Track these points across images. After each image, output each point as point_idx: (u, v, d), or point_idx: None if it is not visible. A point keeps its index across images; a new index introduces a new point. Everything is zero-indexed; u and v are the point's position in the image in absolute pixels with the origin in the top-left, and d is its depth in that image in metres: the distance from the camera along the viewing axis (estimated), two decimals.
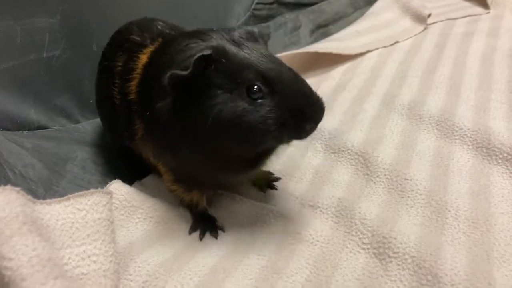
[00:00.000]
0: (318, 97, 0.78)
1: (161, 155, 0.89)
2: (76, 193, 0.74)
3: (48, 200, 0.73)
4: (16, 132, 1.11)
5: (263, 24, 1.87)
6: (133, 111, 0.88)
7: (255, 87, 0.73)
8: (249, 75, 0.74)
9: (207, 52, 0.72)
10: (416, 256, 0.79)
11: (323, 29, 1.97)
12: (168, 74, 0.71)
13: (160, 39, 0.91)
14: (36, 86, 1.16)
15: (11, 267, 0.58)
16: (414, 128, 1.19)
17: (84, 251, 0.70)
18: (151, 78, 0.83)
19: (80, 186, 1.03)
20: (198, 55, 0.71)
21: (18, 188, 0.67)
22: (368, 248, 0.84)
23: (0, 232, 0.60)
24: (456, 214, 0.89)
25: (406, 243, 0.82)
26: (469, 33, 1.76)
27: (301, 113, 0.75)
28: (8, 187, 0.66)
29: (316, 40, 1.86)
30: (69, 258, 0.68)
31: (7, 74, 1.10)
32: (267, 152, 0.85)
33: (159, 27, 0.98)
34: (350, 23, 2.00)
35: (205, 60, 0.72)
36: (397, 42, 1.75)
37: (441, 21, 1.94)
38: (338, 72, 1.57)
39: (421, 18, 1.88)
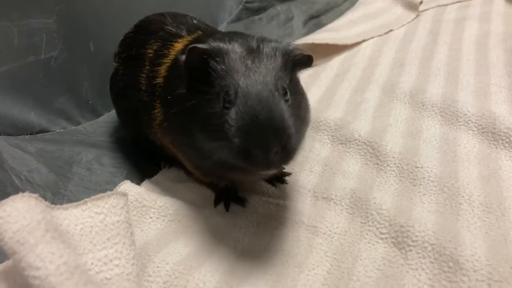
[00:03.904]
0: (274, 121, 0.69)
1: (178, 142, 0.89)
2: (93, 197, 0.73)
3: (65, 205, 0.71)
4: (18, 137, 1.09)
5: (256, 17, 1.86)
6: (155, 96, 0.90)
7: (228, 95, 0.72)
8: (229, 82, 0.73)
9: (201, 46, 0.75)
10: (435, 244, 0.79)
11: (315, 20, 1.97)
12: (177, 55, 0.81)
13: (200, 32, 0.96)
14: (35, 89, 1.14)
15: (39, 276, 0.56)
16: (418, 116, 1.20)
17: (105, 255, 0.69)
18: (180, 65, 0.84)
19: (87, 188, 1.01)
20: (191, 45, 0.74)
21: (36, 195, 0.66)
22: (386, 238, 0.84)
23: (24, 241, 0.59)
24: (469, 200, 0.90)
25: (424, 231, 0.82)
26: (461, 19, 1.77)
27: (245, 133, 0.69)
28: (27, 194, 0.64)
29: (309, 31, 1.86)
30: (92, 263, 0.67)
31: (6, 78, 1.07)
32: None
33: (194, 21, 1.03)
34: (341, 13, 2.00)
35: (203, 54, 0.75)
36: (391, 30, 1.76)
37: (432, 8, 1.95)
38: (335, 62, 1.57)
39: (412, 6, 1.89)
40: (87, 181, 1.03)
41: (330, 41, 1.57)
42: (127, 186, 0.95)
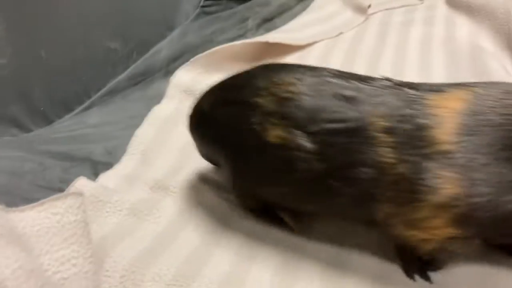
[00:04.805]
0: None
1: None
2: (49, 197, 0.74)
3: (20, 208, 0.72)
4: None
5: (214, 15, 1.88)
6: (440, 164, 0.69)
7: None
8: None
9: None
10: None
11: (269, 24, 2.01)
12: None
13: (476, 89, 0.73)
14: None
15: None
16: None
17: (63, 255, 0.70)
18: None
19: (40, 186, 1.00)
20: None
21: None
22: None
23: None
24: None
25: None
26: (407, 22, 1.86)
27: None
28: None
29: (263, 33, 1.90)
30: (49, 264, 0.68)
31: None
32: None
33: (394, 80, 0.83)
34: (294, 15, 2.05)
35: None
36: (341, 33, 1.83)
37: (380, 11, 2.03)
38: (288, 62, 1.62)
39: (361, 9, 1.97)
40: (40, 178, 1.02)
41: (284, 41, 1.63)
42: (82, 182, 0.96)
